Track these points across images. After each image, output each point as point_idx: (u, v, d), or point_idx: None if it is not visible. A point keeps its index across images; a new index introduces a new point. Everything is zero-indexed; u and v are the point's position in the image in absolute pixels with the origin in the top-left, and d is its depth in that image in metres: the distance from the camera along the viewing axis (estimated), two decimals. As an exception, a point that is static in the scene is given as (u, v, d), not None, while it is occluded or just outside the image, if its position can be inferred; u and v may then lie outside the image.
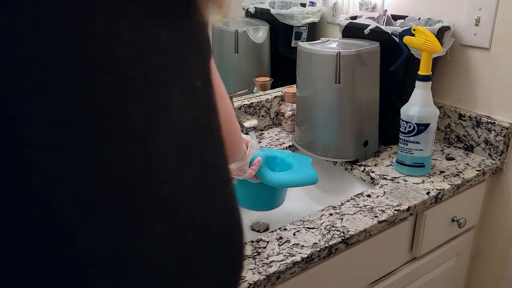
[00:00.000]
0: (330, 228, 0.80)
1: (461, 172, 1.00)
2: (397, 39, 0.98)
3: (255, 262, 0.71)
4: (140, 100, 0.20)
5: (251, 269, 0.70)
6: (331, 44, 1.01)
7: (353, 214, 0.84)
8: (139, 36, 0.20)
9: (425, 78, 0.93)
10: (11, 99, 0.19)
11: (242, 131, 0.96)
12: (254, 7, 1.30)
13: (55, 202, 0.21)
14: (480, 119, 1.06)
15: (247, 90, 1.23)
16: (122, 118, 0.20)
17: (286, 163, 0.89)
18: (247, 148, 0.75)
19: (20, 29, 0.19)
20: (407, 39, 0.95)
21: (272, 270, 0.70)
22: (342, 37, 1.12)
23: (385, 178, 0.97)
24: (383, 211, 0.85)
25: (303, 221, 0.82)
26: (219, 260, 0.24)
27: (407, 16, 1.13)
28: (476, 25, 1.03)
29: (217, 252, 0.23)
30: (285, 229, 0.80)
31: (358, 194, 0.91)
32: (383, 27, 1.01)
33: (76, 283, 0.23)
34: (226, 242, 0.24)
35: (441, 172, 1.00)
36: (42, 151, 0.19)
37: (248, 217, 1.00)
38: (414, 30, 0.93)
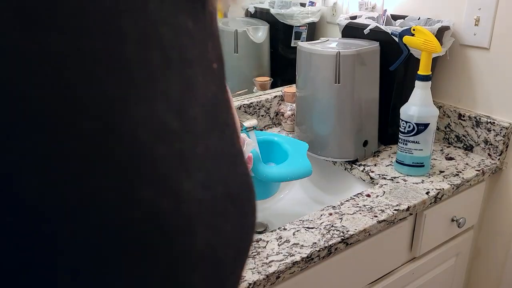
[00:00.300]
0: (329, 227, 0.80)
1: (460, 172, 1.00)
2: (396, 39, 0.98)
3: (255, 262, 0.71)
4: (177, 73, 0.24)
5: (251, 269, 0.70)
6: (331, 44, 1.01)
7: (352, 214, 0.84)
8: (176, 21, 0.25)
9: (424, 78, 0.93)
10: None
11: (241, 130, 0.96)
12: (254, 6, 1.30)
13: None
14: (479, 119, 1.06)
15: (246, 89, 1.24)
16: (161, 86, 0.23)
17: (283, 150, 0.94)
18: (244, 146, 0.76)
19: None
20: (406, 39, 0.95)
21: (271, 269, 0.70)
22: (342, 37, 1.12)
23: (385, 178, 0.97)
24: (382, 211, 0.85)
25: (303, 220, 0.82)
26: (238, 212, 0.27)
27: (406, 16, 1.13)
28: (475, 25, 1.03)
29: (236, 206, 0.27)
30: (285, 229, 0.80)
31: (358, 194, 0.91)
32: (383, 27, 1.01)
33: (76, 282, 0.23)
34: (244, 198, 0.28)
35: (441, 172, 1.00)
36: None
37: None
38: (413, 30, 0.93)
